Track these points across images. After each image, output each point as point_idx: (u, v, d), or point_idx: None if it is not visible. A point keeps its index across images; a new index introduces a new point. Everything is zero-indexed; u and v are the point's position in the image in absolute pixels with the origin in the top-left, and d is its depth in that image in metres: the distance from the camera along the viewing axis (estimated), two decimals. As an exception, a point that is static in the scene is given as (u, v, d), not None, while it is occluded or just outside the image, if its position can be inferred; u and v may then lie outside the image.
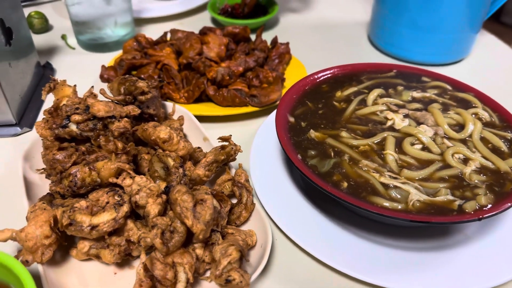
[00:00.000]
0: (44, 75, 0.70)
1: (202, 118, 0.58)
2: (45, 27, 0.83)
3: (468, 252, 0.42)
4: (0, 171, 0.54)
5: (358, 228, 0.44)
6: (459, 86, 0.55)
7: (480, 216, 0.37)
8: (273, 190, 0.48)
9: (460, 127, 0.48)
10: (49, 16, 0.87)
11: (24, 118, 0.61)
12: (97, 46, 0.77)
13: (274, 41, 0.72)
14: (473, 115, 0.49)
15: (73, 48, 0.78)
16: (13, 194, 0.50)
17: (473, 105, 0.51)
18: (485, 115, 0.50)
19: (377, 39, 0.79)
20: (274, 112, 0.57)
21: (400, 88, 0.54)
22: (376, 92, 0.53)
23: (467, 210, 0.38)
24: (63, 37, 0.80)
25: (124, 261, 0.42)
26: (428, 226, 0.44)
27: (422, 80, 0.56)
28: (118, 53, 0.75)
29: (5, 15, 0.59)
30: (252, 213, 0.45)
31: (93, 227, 0.38)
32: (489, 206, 0.39)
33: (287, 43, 0.70)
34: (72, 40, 0.80)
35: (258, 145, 0.54)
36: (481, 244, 0.43)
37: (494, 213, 0.38)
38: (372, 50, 0.80)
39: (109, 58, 0.74)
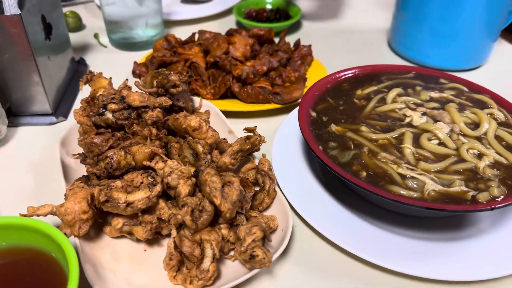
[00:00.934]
0: (78, 70, 0.74)
1: (227, 114, 0.61)
2: (79, 26, 0.88)
3: (480, 244, 0.44)
4: (37, 157, 0.57)
5: (374, 218, 0.47)
6: (475, 88, 0.57)
7: (493, 206, 0.39)
8: (294, 180, 0.50)
9: (476, 125, 0.50)
10: (82, 16, 0.92)
11: (60, 109, 0.65)
12: (128, 45, 0.81)
13: (297, 43, 0.75)
14: (489, 115, 0.51)
15: (105, 46, 0.82)
16: (50, 178, 0.54)
17: (489, 106, 0.53)
18: (500, 115, 0.51)
19: (397, 45, 0.82)
20: (296, 109, 0.60)
21: (418, 88, 0.56)
22: (395, 91, 0.55)
23: (480, 200, 0.40)
24: (96, 35, 0.85)
25: (153, 239, 0.45)
26: (442, 216, 0.46)
27: (440, 82, 0.58)
28: (147, 52, 0.79)
29: (46, 12, 0.63)
30: (274, 199, 0.48)
31: (128, 204, 0.41)
32: (502, 197, 0.41)
33: (309, 46, 0.73)
34: (104, 39, 0.84)
35: (280, 139, 0.56)
36: (493, 237, 0.45)
37: (506, 204, 0.40)
38: (392, 55, 0.82)
39: (139, 56, 0.78)
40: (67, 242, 0.37)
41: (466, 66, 0.78)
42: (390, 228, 0.46)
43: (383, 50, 0.84)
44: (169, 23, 0.90)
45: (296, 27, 0.91)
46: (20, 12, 0.55)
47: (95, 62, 0.78)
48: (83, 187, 0.44)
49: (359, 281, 0.42)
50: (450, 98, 0.54)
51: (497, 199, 0.41)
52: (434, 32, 0.74)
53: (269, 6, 0.93)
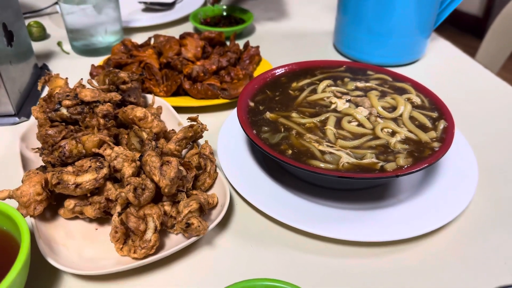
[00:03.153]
0: (41, 75, 0.79)
1: (178, 110, 0.66)
2: (43, 35, 0.92)
3: (398, 211, 0.50)
4: (0, 153, 0.62)
5: (305, 193, 0.52)
6: (398, 77, 0.63)
7: (398, 174, 0.45)
8: (236, 164, 0.56)
9: (394, 109, 0.56)
10: (47, 26, 0.96)
11: (22, 110, 0.69)
12: (89, 51, 0.86)
13: (246, 44, 0.81)
14: (406, 100, 0.58)
15: (68, 53, 0.87)
16: (12, 171, 0.58)
17: (408, 92, 0.60)
18: (417, 99, 0.58)
19: (340, 45, 0.89)
20: (241, 103, 0.65)
21: (347, 79, 0.63)
22: (325, 82, 0.61)
23: (387, 169, 0.46)
24: (59, 43, 0.90)
25: (104, 219, 0.50)
26: (359, 186, 0.52)
27: (367, 74, 0.65)
28: (108, 56, 0.84)
29: (8, 21, 0.68)
30: (215, 180, 0.53)
31: (77, 185, 0.46)
32: (406, 166, 0.47)
33: (257, 46, 0.79)
34: (67, 46, 0.89)
35: (226, 130, 0.62)
36: (410, 206, 0.51)
37: (409, 171, 0.46)
38: (336, 55, 0.89)
39: (100, 61, 0.83)
40: (21, 219, 0.41)
41: (402, 62, 0.85)
42: (318, 201, 0.51)
43: (328, 50, 0.91)
44: (129, 30, 0.95)
45: (249, 31, 0.98)
46: (-20, 19, 0.59)
47: (58, 67, 0.83)
48: (37, 173, 0.48)
49: (289, 247, 0.48)
50: (374, 87, 0.61)
51: (403, 168, 0.47)
52: (371, 31, 0.81)
53: (224, 13, 0.99)
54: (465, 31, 2.89)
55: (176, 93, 0.71)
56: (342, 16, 0.85)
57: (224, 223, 0.51)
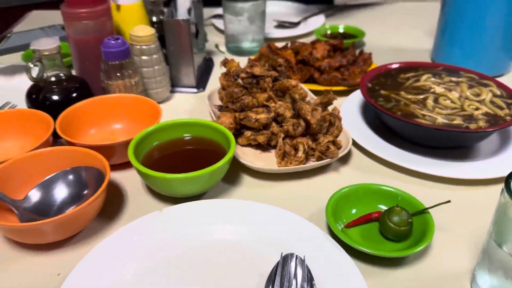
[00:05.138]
0: (207, 64, 1.09)
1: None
2: (205, 38, 1.23)
3: (478, 163, 0.69)
4: (188, 108, 0.90)
5: (402, 147, 0.73)
6: (483, 77, 0.82)
7: (478, 131, 0.65)
8: (354, 125, 0.78)
9: (479, 96, 0.75)
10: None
11: (199, 84, 0.98)
12: (238, 51, 1.15)
13: (361, 51, 1.04)
14: (489, 91, 0.77)
15: (223, 52, 1.17)
16: (201, 117, 0.85)
17: (491, 86, 0.78)
18: (497, 91, 0.77)
19: (437, 59, 1.08)
20: (358, 90, 0.88)
21: (443, 75, 0.83)
22: (426, 75, 0.82)
23: (470, 127, 0.66)
24: (216, 46, 1.20)
25: (264, 148, 0.75)
26: (449, 141, 0.72)
27: (459, 73, 0.84)
28: (252, 56, 1.12)
29: (198, 21, 0.98)
30: (340, 132, 0.76)
31: (257, 120, 0.72)
32: (484, 127, 0.66)
33: (370, 53, 1.02)
34: (222, 48, 1.19)
35: (346, 106, 0.85)
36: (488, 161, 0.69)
37: (487, 130, 0.65)
38: (433, 67, 1.09)
39: (245, 59, 1.10)
40: (229, 134, 0.67)
41: (490, 75, 1.02)
42: (413, 154, 0.72)
43: (427, 62, 1.11)
44: (266, 40, 1.23)
45: (361, 44, 1.21)
46: (189, 18, 0.89)
47: (216, 62, 1.12)
48: (228, 112, 0.75)
49: (392, 179, 0.69)
50: (464, 81, 0.80)
51: (481, 127, 0.66)
52: (463, 49, 0.99)
53: (341, 30, 1.24)
54: None
55: (306, 82, 0.95)
56: (440, 36, 1.05)
57: (345, 160, 0.73)
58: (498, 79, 1.03)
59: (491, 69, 1.01)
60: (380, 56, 1.12)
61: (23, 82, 0.80)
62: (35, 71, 0.75)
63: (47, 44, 0.74)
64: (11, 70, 1.03)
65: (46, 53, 0.74)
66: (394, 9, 1.46)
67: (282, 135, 0.70)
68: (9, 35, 1.13)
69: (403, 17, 1.41)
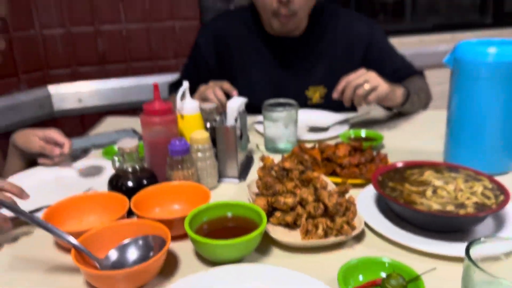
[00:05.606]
0: (249, 160, 1.30)
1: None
2: (247, 140, 1.47)
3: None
4: (232, 194, 1.10)
5: (406, 229, 0.88)
6: (479, 173, 0.98)
7: (466, 216, 0.80)
8: (367, 210, 0.94)
9: (472, 188, 0.91)
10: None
11: (241, 176, 1.19)
12: (274, 150, 1.37)
13: (378, 152, 1.23)
14: (482, 185, 0.92)
15: (262, 151, 1.39)
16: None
17: (483, 180, 0.94)
18: (489, 185, 0.92)
19: (447, 159, 1.25)
20: (373, 182, 1.05)
21: (444, 171, 0.99)
22: (429, 171, 0.99)
23: (460, 213, 0.81)
24: (257, 146, 1.43)
25: (292, 226, 0.91)
26: (446, 224, 0.85)
27: (458, 170, 1.00)
28: (286, 154, 1.33)
29: (243, 126, 1.22)
30: (355, 216, 0.92)
31: (284, 203, 0.90)
32: (472, 212, 0.81)
33: (386, 154, 1.21)
34: (261, 147, 1.42)
35: (361, 196, 1.02)
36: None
37: (473, 215, 0.79)
38: (444, 165, 1.25)
39: (279, 157, 1.31)
40: (262, 212, 0.86)
41: (496, 172, 1.16)
42: (415, 235, 0.86)
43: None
44: (299, 141, 1.46)
45: (380, 147, 1.40)
46: (235, 125, 1.13)
47: (256, 158, 1.34)
48: (263, 197, 0.94)
49: (397, 255, 0.83)
50: (461, 176, 0.96)
51: (469, 213, 0.81)
52: (469, 151, 1.16)
53: (363, 134, 1.45)
54: None
55: (330, 175, 1.14)
56: (448, 139, 1.23)
57: (358, 238, 0.88)
58: (501, 177, 1.17)
59: (494, 168, 1.16)
60: (397, 156, 1.30)
61: (103, 172, 1.04)
62: (115, 163, 0.99)
63: (129, 143, 0.98)
64: (92, 162, 1.29)
65: (128, 150, 0.98)
66: (411, 117, 1.67)
67: (305, 216, 0.88)
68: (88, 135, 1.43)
69: (419, 123, 1.61)
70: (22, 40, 2.08)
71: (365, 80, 1.36)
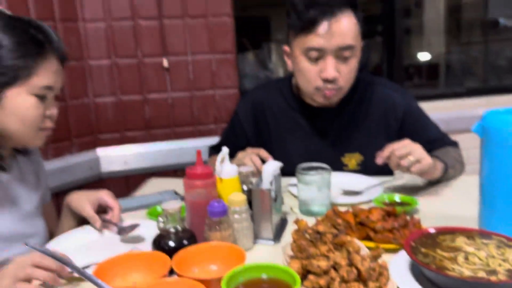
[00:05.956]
0: (284, 221, 1.35)
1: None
2: (282, 202, 1.53)
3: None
4: (267, 256, 1.14)
5: (444, 296, 0.88)
6: (509, 239, 0.98)
7: (499, 283, 0.80)
8: (399, 274, 0.96)
9: (503, 255, 0.91)
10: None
11: (276, 237, 1.23)
12: (308, 213, 1.41)
13: (411, 216, 1.25)
14: (515, 251, 0.92)
15: (296, 213, 1.44)
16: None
17: (517, 248, 0.94)
18: (523, 252, 0.92)
19: (481, 226, 1.25)
20: (406, 247, 1.07)
21: (476, 238, 1.00)
22: (461, 237, 1.00)
23: (491, 279, 0.81)
24: (291, 208, 1.48)
25: (326, 290, 0.94)
26: (469, 286, 0.85)
27: (490, 237, 1.01)
28: (319, 216, 1.37)
29: (277, 189, 1.28)
30: (388, 281, 0.93)
31: (318, 266, 0.93)
32: (505, 279, 0.81)
33: (419, 218, 1.22)
34: (296, 210, 1.46)
35: (396, 260, 1.03)
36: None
37: (505, 282, 0.80)
38: (480, 231, 1.24)
39: (313, 219, 1.35)
40: (296, 275, 0.89)
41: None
42: (452, 301, 0.87)
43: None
44: (332, 204, 1.49)
45: (415, 211, 1.42)
46: (270, 188, 1.20)
47: (290, 220, 1.38)
48: (297, 260, 0.98)
49: (431, 321, 0.83)
50: (494, 243, 0.97)
51: (502, 280, 0.81)
52: (502, 217, 1.16)
53: (397, 199, 1.47)
54: None
55: (364, 239, 1.16)
56: (481, 206, 1.24)
57: (392, 304, 0.90)
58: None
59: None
60: (431, 221, 1.31)
61: (141, 233, 1.12)
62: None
63: (173, 205, 1.06)
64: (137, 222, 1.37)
65: (171, 211, 1.06)
66: (446, 182, 1.68)
67: (339, 280, 0.90)
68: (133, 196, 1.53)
69: (454, 188, 1.62)
70: (77, 107, 2.29)
71: (410, 151, 1.39)
